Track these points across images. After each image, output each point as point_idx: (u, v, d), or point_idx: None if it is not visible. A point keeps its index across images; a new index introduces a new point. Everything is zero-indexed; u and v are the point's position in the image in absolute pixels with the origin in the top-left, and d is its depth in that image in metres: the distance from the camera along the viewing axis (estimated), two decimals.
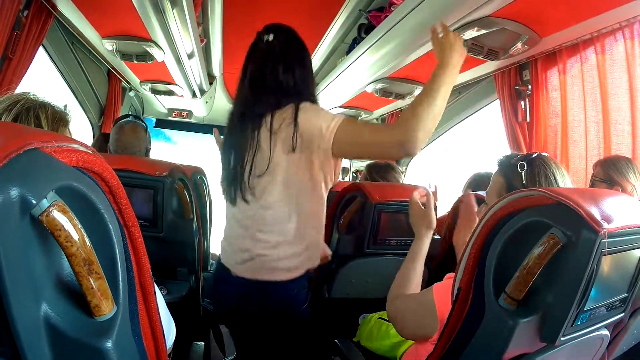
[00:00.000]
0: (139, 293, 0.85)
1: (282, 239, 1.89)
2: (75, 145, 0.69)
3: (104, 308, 0.68)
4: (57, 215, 0.60)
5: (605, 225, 0.97)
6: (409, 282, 1.74)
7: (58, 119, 1.49)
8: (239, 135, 1.92)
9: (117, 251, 0.72)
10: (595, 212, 0.99)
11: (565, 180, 1.53)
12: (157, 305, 0.92)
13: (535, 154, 1.57)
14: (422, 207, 1.88)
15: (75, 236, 0.62)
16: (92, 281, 0.65)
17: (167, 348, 1.41)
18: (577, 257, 1.00)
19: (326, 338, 2.39)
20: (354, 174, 7.09)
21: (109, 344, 0.69)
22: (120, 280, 0.73)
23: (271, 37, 1.96)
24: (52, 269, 0.67)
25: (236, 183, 1.91)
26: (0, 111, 1.39)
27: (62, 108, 1.53)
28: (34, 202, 0.58)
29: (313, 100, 1.92)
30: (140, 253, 0.85)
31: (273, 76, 1.90)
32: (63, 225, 0.61)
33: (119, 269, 0.73)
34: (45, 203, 0.59)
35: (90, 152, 0.72)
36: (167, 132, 7.81)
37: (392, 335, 2.20)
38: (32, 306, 0.62)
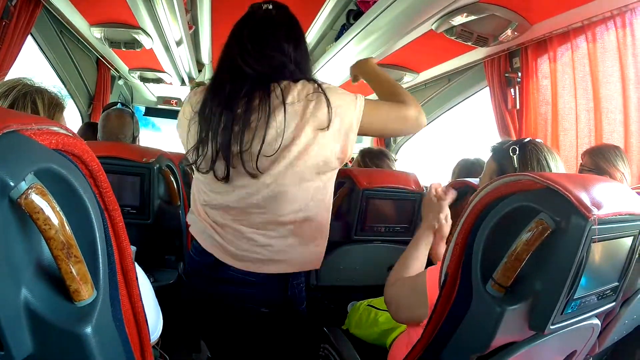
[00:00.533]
0: (120, 278, 0.84)
1: None
2: (55, 128, 0.68)
3: (84, 293, 0.67)
4: (36, 198, 0.59)
5: (595, 211, 0.96)
6: (409, 268, 1.72)
7: (54, 105, 1.49)
8: (235, 99, 1.63)
9: (97, 235, 0.71)
10: (585, 197, 0.98)
11: (557, 165, 1.52)
12: (139, 291, 0.91)
13: (528, 139, 1.56)
14: (435, 202, 1.83)
15: (54, 219, 0.61)
16: (71, 265, 0.64)
17: (152, 340, 1.38)
18: (567, 244, 0.99)
19: (315, 326, 2.38)
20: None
21: (89, 330, 0.68)
22: (101, 265, 0.72)
23: (270, 6, 1.82)
24: (32, 252, 0.66)
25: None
26: None
27: (58, 93, 1.53)
28: (12, 184, 0.56)
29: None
30: (122, 237, 0.83)
31: (276, 43, 1.72)
32: (42, 209, 0.59)
33: (99, 253, 0.72)
34: (23, 185, 0.58)
35: (70, 134, 0.71)
36: (156, 120, 7.77)
37: (381, 323, 2.19)
38: (12, 291, 0.61)
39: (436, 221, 1.80)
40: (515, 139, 3.22)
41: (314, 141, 1.59)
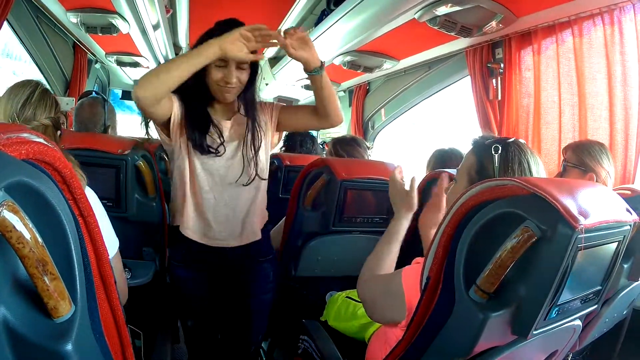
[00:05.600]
0: (99, 284, 0.83)
1: None
2: (25, 135, 0.66)
3: (62, 309, 0.65)
4: (8, 215, 0.56)
5: (582, 220, 0.95)
6: (382, 263, 1.71)
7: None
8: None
9: (73, 247, 0.69)
10: (572, 206, 0.96)
11: (539, 170, 1.49)
12: (119, 297, 0.91)
13: (512, 139, 1.53)
14: (403, 187, 1.86)
15: (27, 236, 0.58)
16: (47, 282, 0.62)
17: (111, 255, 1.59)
18: (552, 252, 0.98)
19: (294, 317, 2.37)
20: (320, 145, 7.05)
21: (69, 347, 0.66)
22: (78, 278, 0.70)
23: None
24: (7, 269, 0.63)
25: None
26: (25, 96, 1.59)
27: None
28: None
29: None
30: (98, 243, 0.82)
31: None
32: (14, 226, 0.57)
33: (75, 266, 0.69)
34: None
35: (41, 141, 0.69)
36: (132, 103, 7.69)
37: (360, 316, 2.18)
38: None
39: (409, 209, 1.82)
40: (496, 129, 3.22)
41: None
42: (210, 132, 2.07)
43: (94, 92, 2.78)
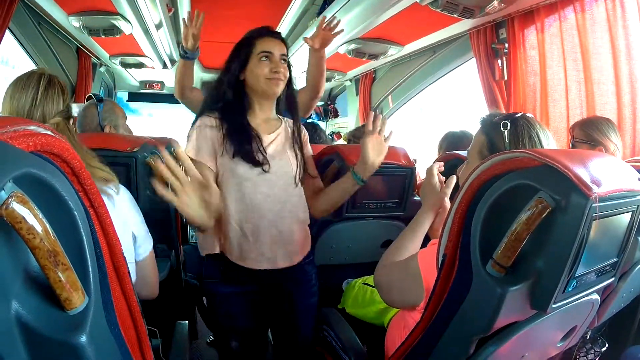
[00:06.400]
0: (112, 275, 0.83)
1: None
2: (32, 127, 0.66)
3: (75, 300, 0.65)
4: (17, 206, 0.56)
5: (595, 189, 0.94)
6: (403, 252, 1.70)
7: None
8: None
9: (84, 238, 0.69)
10: (584, 175, 0.96)
11: (549, 143, 1.49)
12: (132, 286, 0.91)
13: (520, 114, 1.52)
14: (438, 183, 1.84)
15: (37, 227, 0.58)
16: (59, 273, 0.62)
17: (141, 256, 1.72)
18: (567, 222, 0.97)
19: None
20: (330, 136, 7.04)
21: (83, 338, 0.65)
22: (90, 269, 0.70)
23: None
24: (18, 263, 0.63)
25: None
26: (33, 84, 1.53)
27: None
28: None
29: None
30: (110, 234, 0.82)
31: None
32: (24, 217, 0.57)
33: (88, 256, 0.69)
34: (3, 195, 0.55)
35: (48, 132, 0.68)
36: (139, 105, 7.72)
37: (378, 302, 2.18)
38: (2, 305, 0.59)
39: (438, 205, 1.80)
40: (503, 110, 3.21)
41: None
42: (254, 145, 2.03)
43: (92, 95, 2.78)
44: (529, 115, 1.53)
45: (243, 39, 2.09)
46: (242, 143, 1.99)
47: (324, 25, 2.56)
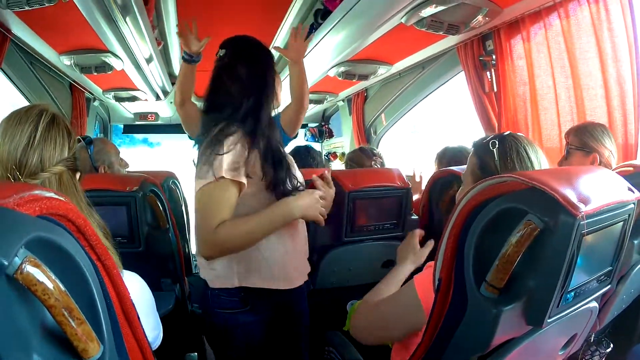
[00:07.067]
0: (123, 321, 0.85)
1: None
2: (36, 192, 0.68)
3: (91, 350, 0.67)
4: (31, 270, 0.58)
5: (582, 207, 0.97)
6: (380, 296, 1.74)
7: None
8: None
9: (95, 291, 0.71)
10: (571, 194, 0.98)
11: (538, 156, 1.54)
12: (143, 330, 0.93)
13: (508, 132, 1.59)
14: (417, 246, 1.99)
15: (51, 287, 0.61)
16: (75, 327, 0.64)
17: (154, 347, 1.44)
18: (556, 242, 1.00)
19: (317, 330, 2.38)
20: (326, 157, 7.06)
21: None
22: (103, 319, 0.72)
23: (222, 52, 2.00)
24: (36, 319, 0.65)
25: None
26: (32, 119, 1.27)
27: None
28: (6, 263, 0.56)
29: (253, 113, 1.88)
30: (118, 283, 0.84)
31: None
32: (38, 279, 0.59)
33: (99, 308, 0.72)
34: (17, 261, 0.57)
35: (52, 195, 0.71)
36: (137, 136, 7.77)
37: None
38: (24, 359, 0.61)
39: (415, 263, 1.96)
40: (495, 121, 3.25)
41: None
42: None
43: (80, 138, 2.78)
44: (518, 134, 1.58)
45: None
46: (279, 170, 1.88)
47: (295, 35, 2.56)
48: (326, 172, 2.02)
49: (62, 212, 0.71)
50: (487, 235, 1.09)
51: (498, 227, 1.07)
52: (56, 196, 0.71)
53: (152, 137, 7.97)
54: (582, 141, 2.33)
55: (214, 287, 1.92)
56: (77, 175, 1.36)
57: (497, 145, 1.54)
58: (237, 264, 1.87)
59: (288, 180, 1.90)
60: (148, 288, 1.48)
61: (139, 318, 0.91)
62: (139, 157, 7.64)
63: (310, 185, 1.98)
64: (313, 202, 1.84)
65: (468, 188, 1.25)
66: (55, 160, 1.27)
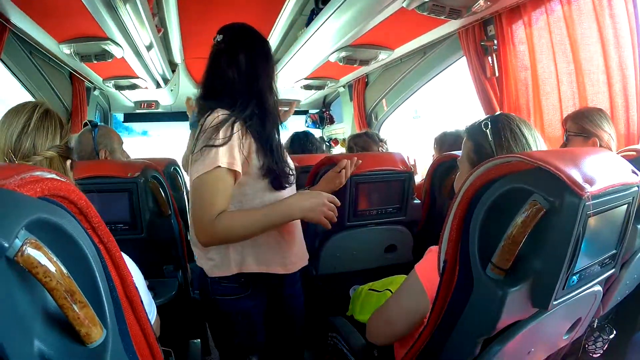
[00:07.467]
0: (126, 305, 0.85)
1: None
2: (37, 173, 0.68)
3: (94, 335, 0.67)
4: (32, 252, 0.58)
5: (588, 188, 0.97)
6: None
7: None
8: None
9: (97, 274, 0.71)
10: (576, 175, 0.98)
11: (533, 134, 1.53)
12: (146, 314, 0.93)
13: (499, 112, 1.58)
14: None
15: (53, 270, 0.60)
16: (77, 310, 0.64)
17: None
18: (562, 222, 0.99)
19: (320, 316, 2.39)
20: (327, 143, 7.05)
21: None
22: (105, 303, 0.72)
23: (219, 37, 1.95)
24: (37, 303, 0.65)
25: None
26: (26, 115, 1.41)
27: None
28: (6, 245, 0.55)
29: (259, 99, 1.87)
30: (121, 266, 0.84)
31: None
32: (39, 262, 0.58)
33: (102, 291, 0.71)
34: (17, 243, 0.56)
35: (54, 176, 0.70)
36: (136, 125, 7.72)
37: None
38: (26, 345, 0.60)
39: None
40: (497, 106, 3.24)
41: None
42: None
43: (87, 122, 2.78)
44: (510, 113, 1.59)
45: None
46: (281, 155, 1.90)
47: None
48: (347, 161, 2.03)
49: (63, 193, 0.71)
50: (492, 216, 1.09)
51: (503, 208, 1.06)
52: (58, 177, 0.71)
53: (152, 131, 7.92)
54: (580, 127, 2.32)
55: (213, 276, 1.92)
56: (68, 163, 1.47)
57: (489, 126, 1.53)
58: (233, 252, 1.88)
59: (282, 166, 1.88)
60: (137, 268, 1.53)
61: (142, 301, 0.91)
62: (138, 146, 7.60)
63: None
64: (316, 205, 1.82)
65: (465, 172, 1.25)
66: (47, 147, 1.41)
